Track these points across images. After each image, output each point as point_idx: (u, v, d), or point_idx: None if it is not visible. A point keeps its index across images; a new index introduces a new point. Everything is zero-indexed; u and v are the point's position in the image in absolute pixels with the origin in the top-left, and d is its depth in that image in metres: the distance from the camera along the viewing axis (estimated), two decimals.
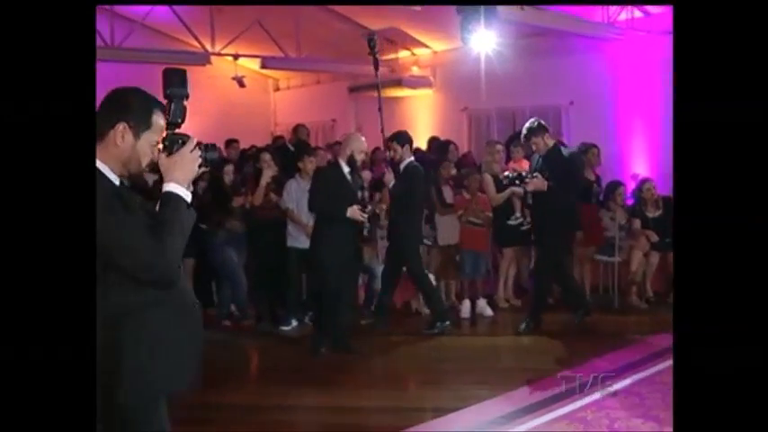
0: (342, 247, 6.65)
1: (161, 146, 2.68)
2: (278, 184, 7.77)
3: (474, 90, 10.93)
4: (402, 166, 7.49)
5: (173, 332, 2.66)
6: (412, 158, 7.65)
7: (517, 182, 7.38)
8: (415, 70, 14.25)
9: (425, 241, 8.23)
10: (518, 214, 8.43)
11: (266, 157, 7.87)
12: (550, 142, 7.34)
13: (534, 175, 7.19)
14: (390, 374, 6.49)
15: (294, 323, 7.80)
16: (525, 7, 9.18)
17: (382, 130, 7.42)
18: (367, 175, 8.70)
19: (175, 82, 2.75)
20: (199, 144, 2.70)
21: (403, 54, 14.37)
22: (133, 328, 2.57)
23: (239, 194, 7.66)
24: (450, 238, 8.31)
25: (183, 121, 2.74)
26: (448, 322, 7.50)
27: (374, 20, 12.77)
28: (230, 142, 10.90)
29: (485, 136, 12.29)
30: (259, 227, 7.75)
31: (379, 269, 7.89)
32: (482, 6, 8.65)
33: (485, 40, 8.99)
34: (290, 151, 9.93)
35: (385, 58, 14.53)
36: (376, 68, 7.35)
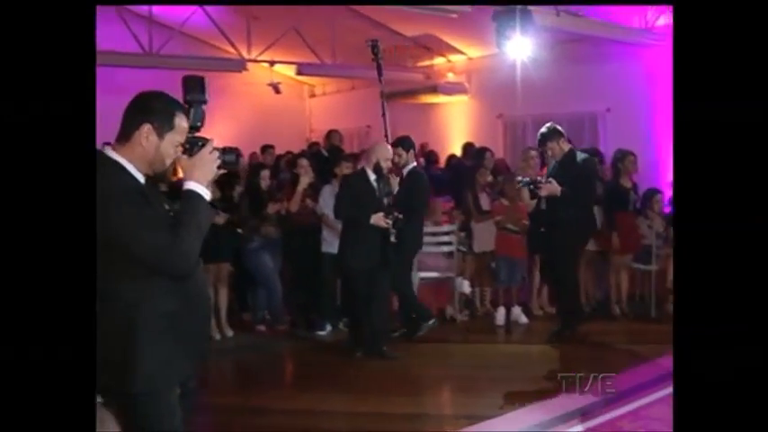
0: (368, 254, 6.69)
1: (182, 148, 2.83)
2: (313, 190, 7.80)
3: (509, 97, 10.89)
4: (405, 171, 7.51)
5: (184, 321, 2.79)
6: (414, 164, 7.70)
7: (531, 186, 7.33)
8: (451, 77, 14.22)
9: (461, 248, 8.20)
10: None
11: (303, 162, 7.90)
12: (566, 147, 7.26)
13: (548, 180, 7.13)
14: (424, 381, 6.47)
15: (328, 328, 7.81)
16: (561, 13, 9.15)
17: (386, 135, 7.46)
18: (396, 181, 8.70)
19: (194, 88, 2.95)
20: (216, 147, 2.84)
21: (438, 60, 14.36)
22: (146, 317, 2.70)
23: (275, 200, 7.68)
24: (486, 245, 8.28)
25: (202, 125, 2.92)
26: (433, 320, 7.43)
27: (409, 26, 12.80)
28: (266, 148, 10.96)
29: (520, 143, 12.23)
30: (294, 232, 7.79)
31: (415, 276, 7.87)
32: (518, 12, 8.62)
33: (520, 46, 8.96)
34: (324, 157, 9.96)
35: (420, 64, 14.56)
36: (380, 75, 7.36)
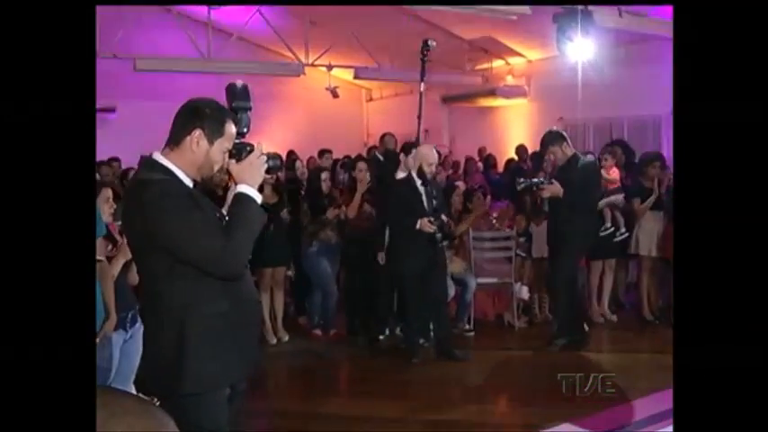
0: (416, 259, 6.63)
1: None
2: (372, 195, 7.75)
3: (570, 100, 10.72)
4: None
5: (233, 324, 2.82)
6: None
7: (534, 188, 7.22)
8: (510, 80, 14.10)
9: (520, 253, 8.08)
10: (608, 224, 8.12)
11: (362, 166, 7.86)
12: (569, 152, 7.11)
13: (551, 181, 6.98)
14: (481, 389, 6.36)
15: (386, 333, 7.76)
16: (624, 13, 8.97)
17: (418, 137, 7.47)
18: (461, 185, 8.63)
19: (240, 95, 2.99)
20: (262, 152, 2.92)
21: (497, 63, 14.25)
22: (196, 320, 2.74)
23: (335, 206, 7.64)
24: (545, 251, 8.13)
25: (248, 131, 2.98)
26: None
27: (468, 29, 12.72)
28: (323, 152, 10.96)
29: (580, 147, 12.00)
30: (353, 237, 7.75)
31: (473, 281, 7.77)
32: (579, 13, 8.48)
33: (581, 48, 8.81)
34: (380, 161, 9.92)
35: (479, 67, 14.47)
36: (422, 75, 7.30)
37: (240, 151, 2.89)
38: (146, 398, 1.95)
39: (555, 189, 6.91)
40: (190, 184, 2.86)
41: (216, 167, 2.89)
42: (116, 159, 10.21)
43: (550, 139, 7.17)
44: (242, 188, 2.82)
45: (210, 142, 2.83)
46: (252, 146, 2.91)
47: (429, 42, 7.21)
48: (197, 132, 2.81)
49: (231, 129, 2.87)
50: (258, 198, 2.84)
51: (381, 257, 7.32)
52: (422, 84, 7.37)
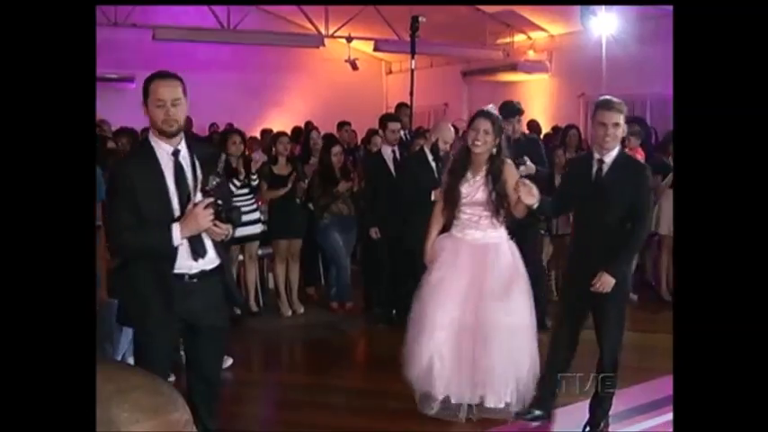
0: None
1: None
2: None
3: (592, 76, 10.60)
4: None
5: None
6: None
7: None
8: (531, 54, 13.95)
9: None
10: None
11: (377, 140, 7.80)
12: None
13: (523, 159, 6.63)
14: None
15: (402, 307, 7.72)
16: None
17: (410, 117, 7.89)
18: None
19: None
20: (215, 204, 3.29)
21: (519, 38, 14.11)
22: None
23: (348, 179, 7.59)
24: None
25: (212, 187, 3.38)
26: None
27: (491, 3, 12.56)
28: (342, 125, 10.90)
29: None
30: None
31: None
32: None
33: (605, 22, 8.68)
34: (403, 140, 9.83)
35: (500, 41, 14.32)
36: (413, 52, 7.23)
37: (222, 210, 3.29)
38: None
39: (530, 168, 6.63)
40: (168, 148, 3.34)
41: (158, 120, 3.29)
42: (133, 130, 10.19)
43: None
44: (174, 227, 3.25)
45: (146, 105, 3.33)
46: (217, 203, 3.27)
47: (419, 18, 7.15)
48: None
49: (156, 88, 3.29)
50: (177, 242, 3.26)
51: (375, 232, 7.31)
52: (413, 61, 7.32)
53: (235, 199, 7.01)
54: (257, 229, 7.33)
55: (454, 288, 4.83)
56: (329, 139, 8.05)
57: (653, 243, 8.50)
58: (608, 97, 4.46)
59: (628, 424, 4.78)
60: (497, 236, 4.90)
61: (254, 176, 7.11)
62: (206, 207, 3.22)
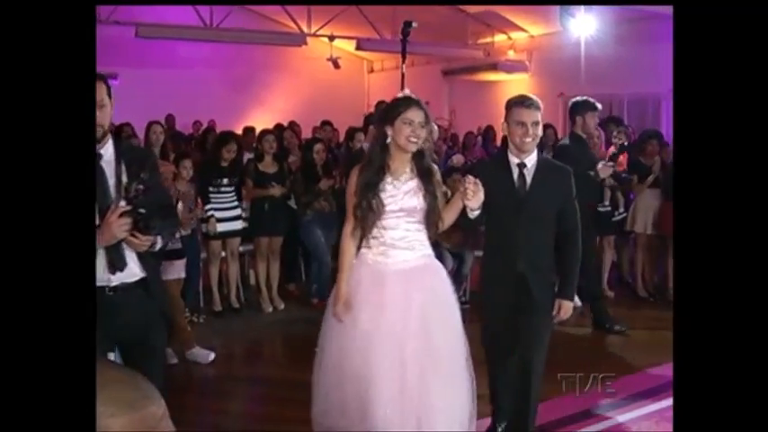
0: None
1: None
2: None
3: (571, 76, 10.72)
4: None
5: None
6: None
7: None
8: (511, 54, 14.07)
9: None
10: (607, 203, 8.10)
11: (360, 137, 7.88)
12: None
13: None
14: (475, 360, 6.39)
15: None
16: None
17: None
18: (459, 158, 8.64)
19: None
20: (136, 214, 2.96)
21: (499, 38, 14.22)
22: None
23: (330, 176, 7.66)
24: None
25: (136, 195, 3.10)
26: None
27: (471, 3, 12.66)
28: (323, 124, 10.96)
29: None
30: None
31: (470, 254, 7.79)
32: None
33: (584, 24, 8.81)
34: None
35: (481, 41, 14.43)
36: (403, 56, 7.30)
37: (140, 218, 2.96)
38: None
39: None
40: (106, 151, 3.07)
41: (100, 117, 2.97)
42: (128, 124, 10.20)
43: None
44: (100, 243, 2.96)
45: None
46: (137, 211, 2.94)
47: (412, 23, 7.20)
48: None
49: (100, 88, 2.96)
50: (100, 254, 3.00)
51: None
52: (403, 65, 7.37)
53: (218, 194, 7.12)
54: (238, 225, 7.39)
55: (387, 345, 3.71)
56: (312, 138, 8.14)
57: (629, 241, 8.62)
58: (525, 94, 4.10)
59: (609, 416, 4.86)
60: (429, 254, 3.85)
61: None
62: (121, 215, 2.91)
